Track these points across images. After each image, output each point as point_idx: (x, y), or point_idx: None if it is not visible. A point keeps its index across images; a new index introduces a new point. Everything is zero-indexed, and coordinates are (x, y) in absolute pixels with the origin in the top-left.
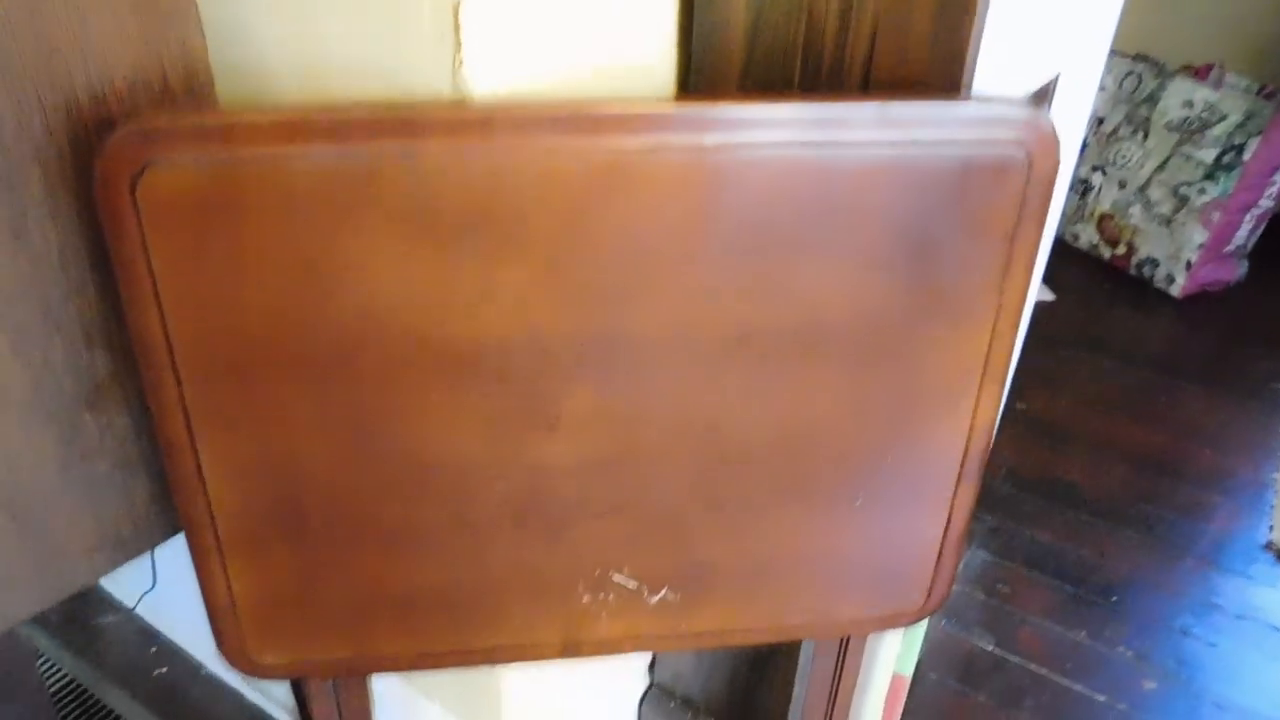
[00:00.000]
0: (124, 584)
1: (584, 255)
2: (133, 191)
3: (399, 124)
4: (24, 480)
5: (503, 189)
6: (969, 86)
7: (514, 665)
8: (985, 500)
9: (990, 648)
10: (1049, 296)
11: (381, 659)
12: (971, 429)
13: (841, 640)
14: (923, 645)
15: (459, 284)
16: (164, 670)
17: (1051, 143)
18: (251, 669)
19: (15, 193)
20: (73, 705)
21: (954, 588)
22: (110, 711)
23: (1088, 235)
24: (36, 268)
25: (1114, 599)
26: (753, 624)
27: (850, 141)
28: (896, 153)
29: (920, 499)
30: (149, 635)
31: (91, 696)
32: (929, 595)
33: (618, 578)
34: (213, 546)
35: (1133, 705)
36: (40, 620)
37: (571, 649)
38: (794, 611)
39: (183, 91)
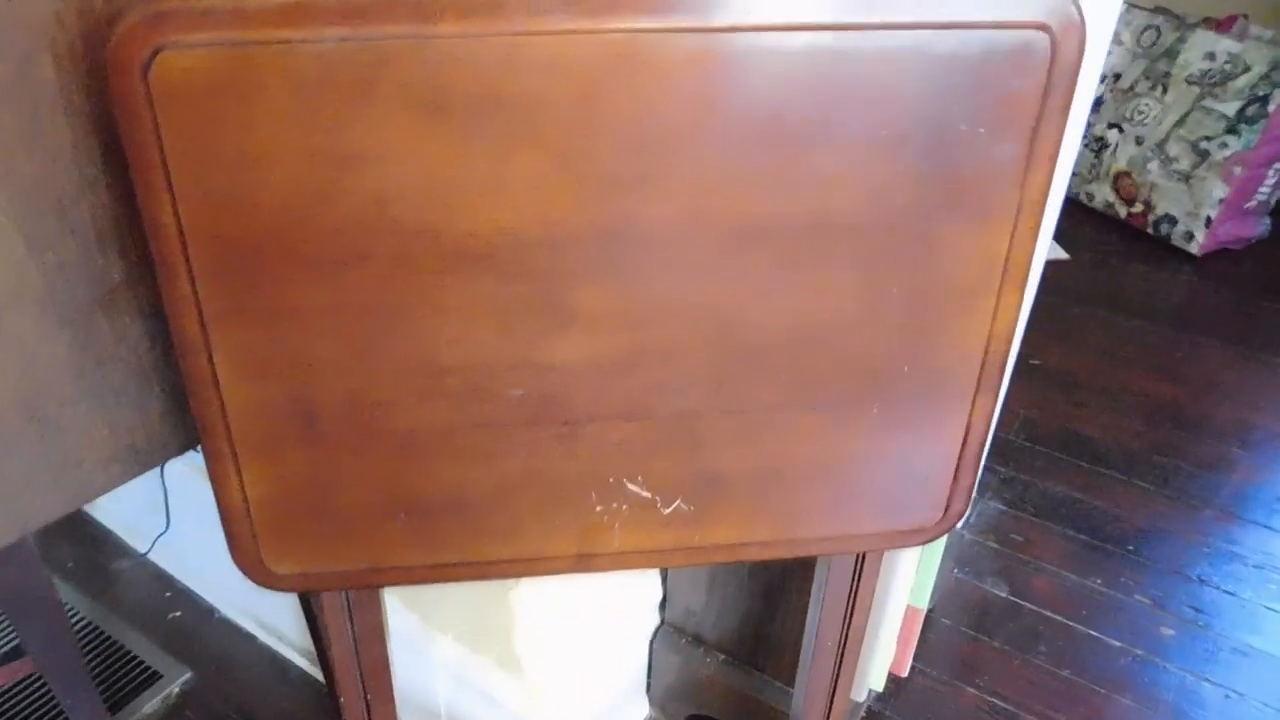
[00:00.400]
0: (139, 528)
1: (596, 143)
2: (145, 76)
3: (410, 6)
4: (41, 383)
5: (515, 73)
6: None
7: (527, 600)
8: (999, 452)
9: (1004, 594)
10: (1062, 255)
11: (394, 570)
12: (991, 335)
13: (857, 559)
14: (935, 592)
15: (471, 174)
16: (179, 614)
17: (1077, 28)
18: (266, 579)
19: (28, 86)
20: (90, 648)
21: (967, 537)
22: (128, 653)
23: (1103, 194)
24: (51, 164)
25: (1130, 548)
26: (766, 537)
27: (868, 23)
28: (915, 35)
29: (938, 409)
30: (164, 579)
31: (109, 639)
32: (946, 511)
33: (631, 486)
34: (227, 450)
35: (1150, 650)
36: (57, 564)
37: (584, 563)
38: (808, 525)
39: None
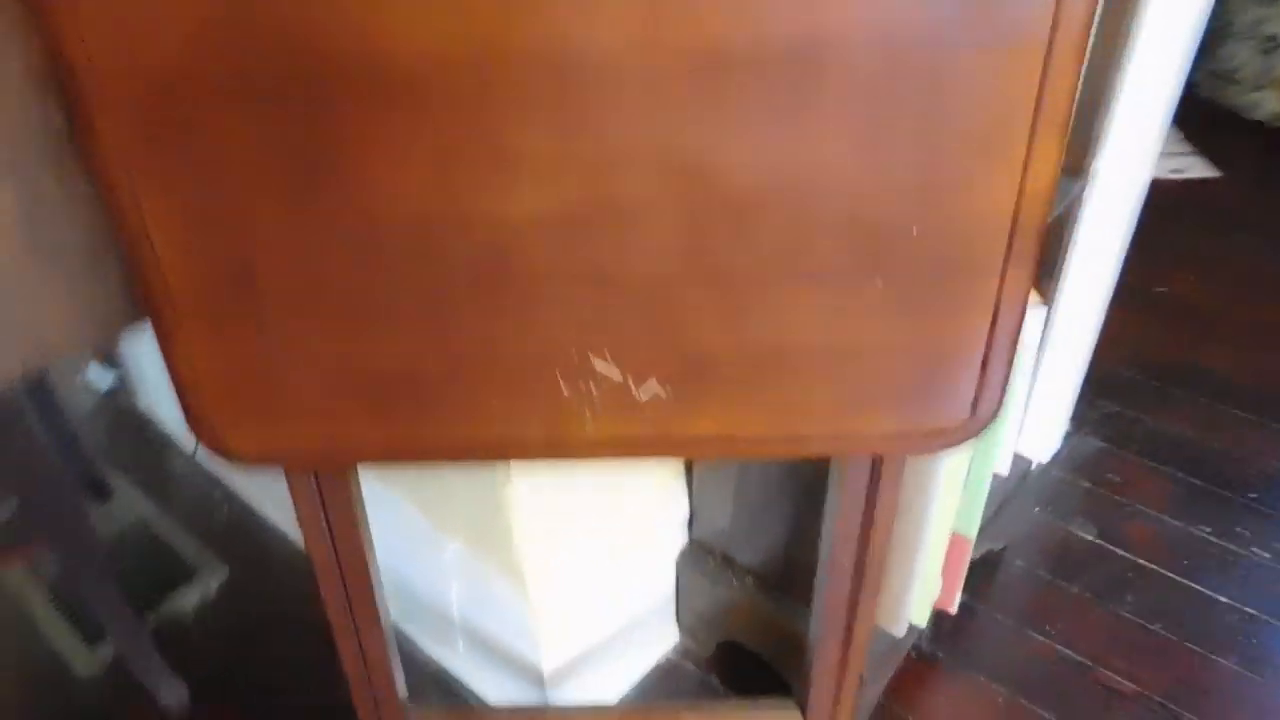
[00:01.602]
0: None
1: None
2: None
3: None
4: None
5: None
6: None
7: (525, 501)
8: (1104, 385)
9: (1090, 538)
10: (1211, 172)
11: (353, 449)
12: (1022, 193)
13: (873, 465)
14: (1009, 528)
15: None
16: (223, 514)
17: None
18: (226, 453)
19: None
20: (138, 544)
21: (1054, 474)
22: (171, 550)
23: (1270, 105)
24: None
25: (1252, 496)
26: (759, 431)
27: None
28: None
29: (956, 284)
30: (213, 481)
31: (155, 536)
32: (974, 409)
33: (599, 365)
34: (171, 319)
35: (1264, 610)
36: (118, 463)
37: (556, 449)
38: (807, 419)
39: None
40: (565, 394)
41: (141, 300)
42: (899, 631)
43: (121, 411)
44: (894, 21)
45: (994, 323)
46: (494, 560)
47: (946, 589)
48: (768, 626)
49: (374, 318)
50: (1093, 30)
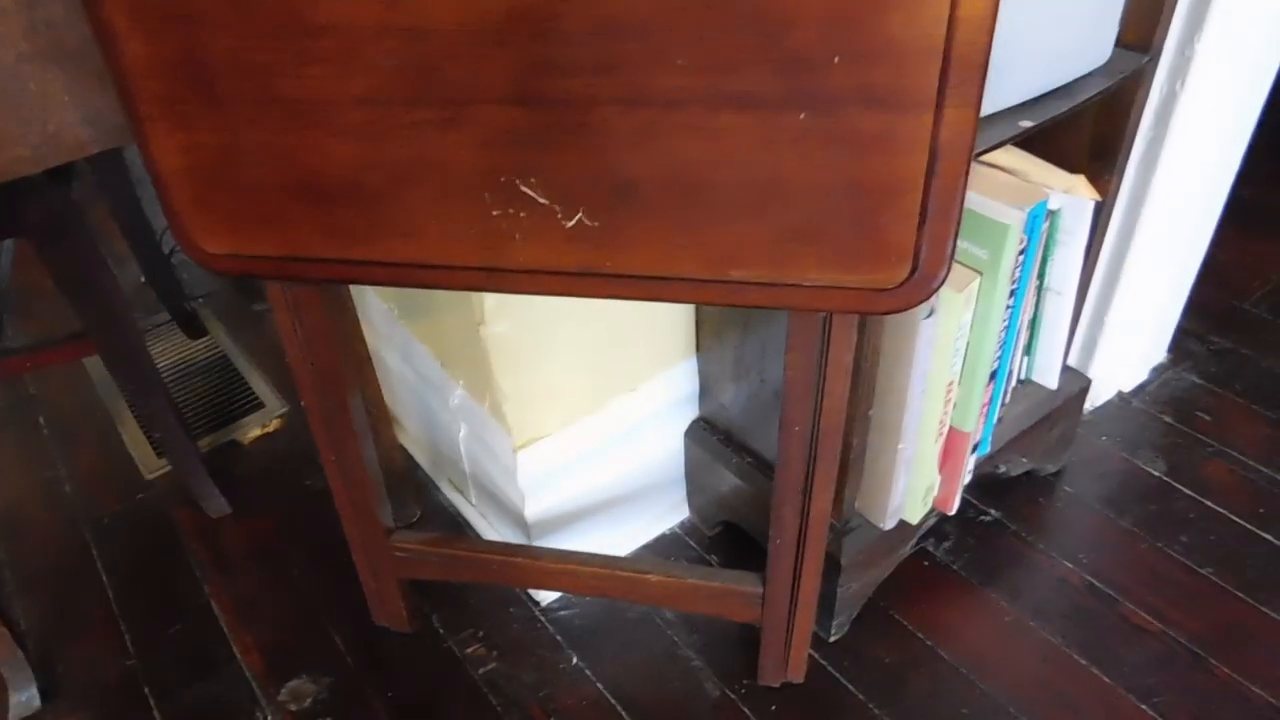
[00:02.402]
0: None
1: None
2: None
3: None
4: None
5: None
6: None
7: (500, 341)
8: (1222, 317)
9: (1158, 473)
10: None
11: (312, 262)
12: (953, 18)
13: (823, 324)
14: (1067, 452)
15: None
16: None
17: None
18: (200, 257)
19: None
20: (214, 373)
21: (1133, 404)
22: (243, 382)
23: None
24: None
25: None
26: (691, 272)
27: None
28: None
29: (884, 119)
30: None
31: (232, 368)
32: (915, 267)
33: (525, 189)
34: (141, 112)
35: None
36: (214, 305)
37: (493, 279)
38: (740, 265)
39: None
40: (495, 216)
41: (118, 93)
42: (886, 524)
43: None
44: None
45: (930, 167)
46: (486, 404)
47: (946, 486)
48: (763, 508)
49: (315, 123)
50: None
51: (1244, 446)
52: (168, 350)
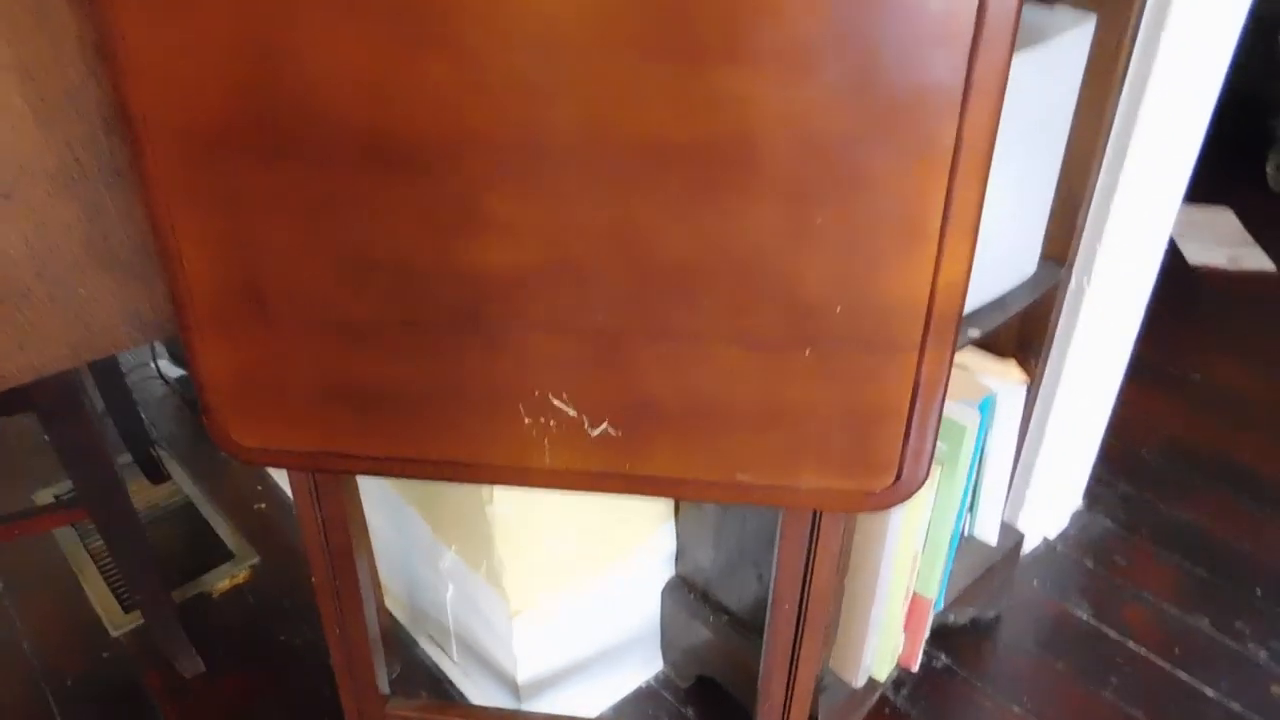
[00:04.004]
0: None
1: (503, 47)
2: None
3: None
4: (50, 247)
5: None
6: None
7: (506, 517)
8: (1124, 467)
9: (1085, 617)
10: (1269, 266)
11: (345, 457)
12: (936, 284)
13: (813, 518)
14: (1003, 599)
15: (387, 72)
16: (263, 505)
17: None
18: (233, 449)
19: None
20: (182, 523)
21: (1059, 550)
22: (212, 532)
23: None
24: (57, 48)
25: (1257, 593)
26: (703, 475)
27: None
28: None
29: (878, 360)
30: (258, 474)
31: (200, 517)
32: (898, 476)
33: (557, 402)
34: (194, 324)
35: (1252, 709)
36: (174, 446)
37: (522, 476)
38: (746, 469)
39: None
40: (526, 424)
41: (173, 307)
42: (857, 682)
43: (187, 403)
44: (815, 129)
45: (915, 396)
46: (480, 569)
47: (909, 646)
48: (743, 667)
49: (363, 339)
50: (1069, 122)
51: (1155, 589)
52: (130, 495)
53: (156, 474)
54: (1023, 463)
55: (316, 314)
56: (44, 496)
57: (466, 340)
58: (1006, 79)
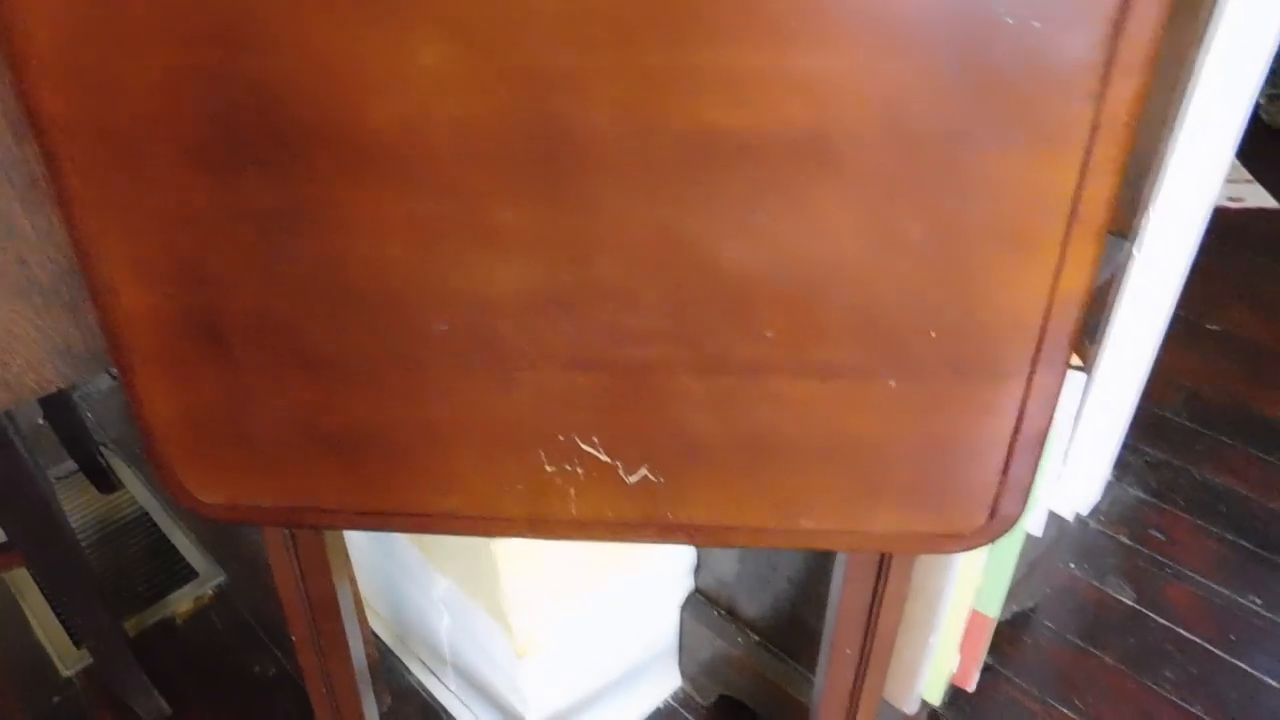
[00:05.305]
0: None
1: (514, 29)
2: None
3: None
4: None
5: None
6: None
7: (512, 551)
8: (1150, 429)
9: (1128, 601)
10: (1271, 203)
11: (324, 512)
12: (1054, 298)
13: (881, 560)
14: (1040, 586)
15: (368, 61)
16: None
17: None
18: (192, 504)
19: None
20: (143, 542)
21: (1091, 526)
22: (174, 550)
23: None
24: None
25: None
26: (757, 522)
27: None
28: None
29: (978, 388)
30: None
31: (161, 535)
32: (992, 514)
33: (586, 448)
34: (134, 363)
35: None
36: (132, 457)
37: (538, 528)
38: (811, 514)
39: None
40: (549, 472)
41: (106, 338)
42: (910, 708)
43: None
44: (910, 116)
45: (1018, 427)
46: (482, 602)
47: (964, 666)
48: (768, 685)
49: (341, 375)
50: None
51: (1199, 565)
52: (78, 508)
53: (106, 482)
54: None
55: (285, 347)
56: None
57: (472, 377)
58: (1159, 51)
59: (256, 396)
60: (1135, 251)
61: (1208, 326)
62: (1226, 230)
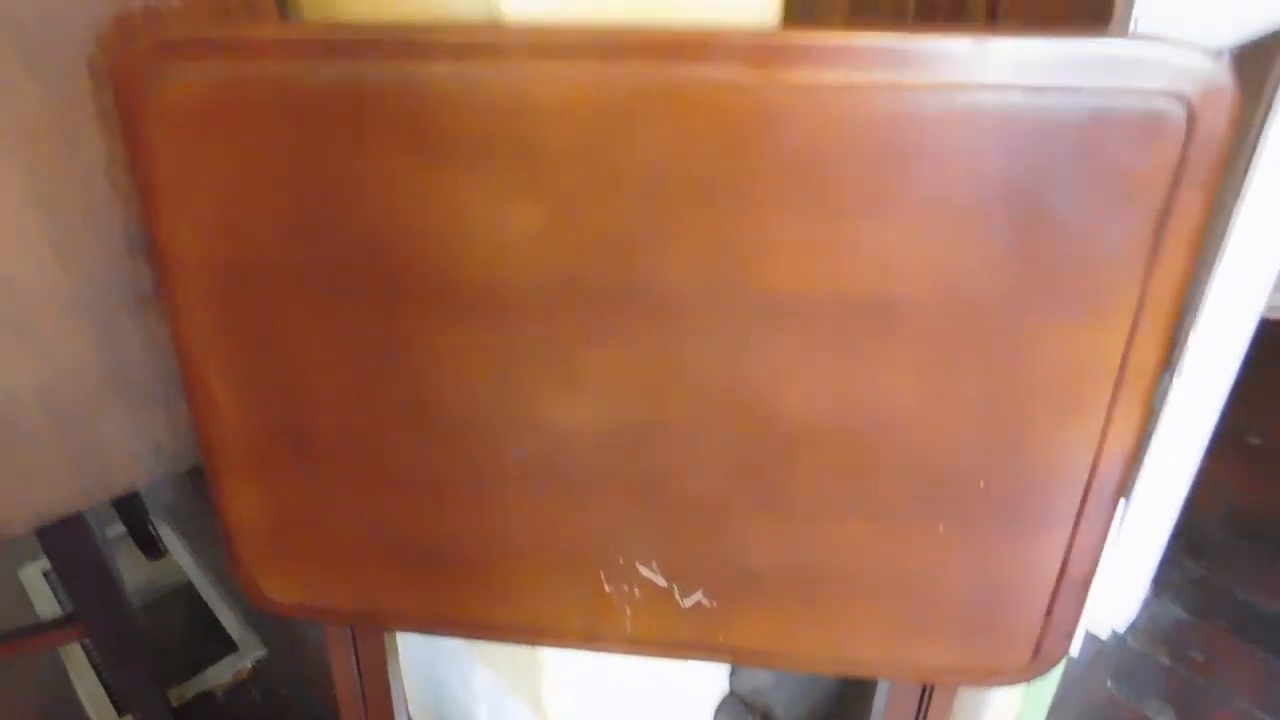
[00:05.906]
0: None
1: (602, 195)
2: (147, 100)
3: (400, 45)
4: (62, 379)
5: (512, 117)
6: (1125, 22)
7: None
8: (1191, 542)
9: None
10: None
11: (390, 614)
12: (1100, 456)
13: (923, 689)
14: (1078, 707)
15: (467, 220)
16: None
17: (1224, 94)
18: (262, 602)
19: (67, 101)
20: (185, 612)
21: (1130, 645)
22: (215, 622)
23: None
24: (85, 175)
25: None
26: (805, 650)
27: (938, 84)
28: (999, 98)
29: (1025, 536)
30: None
31: (204, 606)
32: (1037, 652)
33: (645, 571)
34: (224, 467)
35: None
36: (175, 521)
37: (595, 641)
38: (856, 643)
39: (241, 9)
40: (607, 591)
41: (199, 444)
42: None
43: (189, 473)
44: (967, 288)
45: (1063, 572)
46: (524, 699)
47: None
48: None
49: (419, 491)
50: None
51: (1243, 688)
52: (124, 573)
53: (153, 549)
54: None
55: (367, 462)
56: (31, 573)
57: (542, 500)
58: (1202, 238)
59: (336, 506)
60: (1175, 380)
61: (1250, 441)
62: (1271, 342)
